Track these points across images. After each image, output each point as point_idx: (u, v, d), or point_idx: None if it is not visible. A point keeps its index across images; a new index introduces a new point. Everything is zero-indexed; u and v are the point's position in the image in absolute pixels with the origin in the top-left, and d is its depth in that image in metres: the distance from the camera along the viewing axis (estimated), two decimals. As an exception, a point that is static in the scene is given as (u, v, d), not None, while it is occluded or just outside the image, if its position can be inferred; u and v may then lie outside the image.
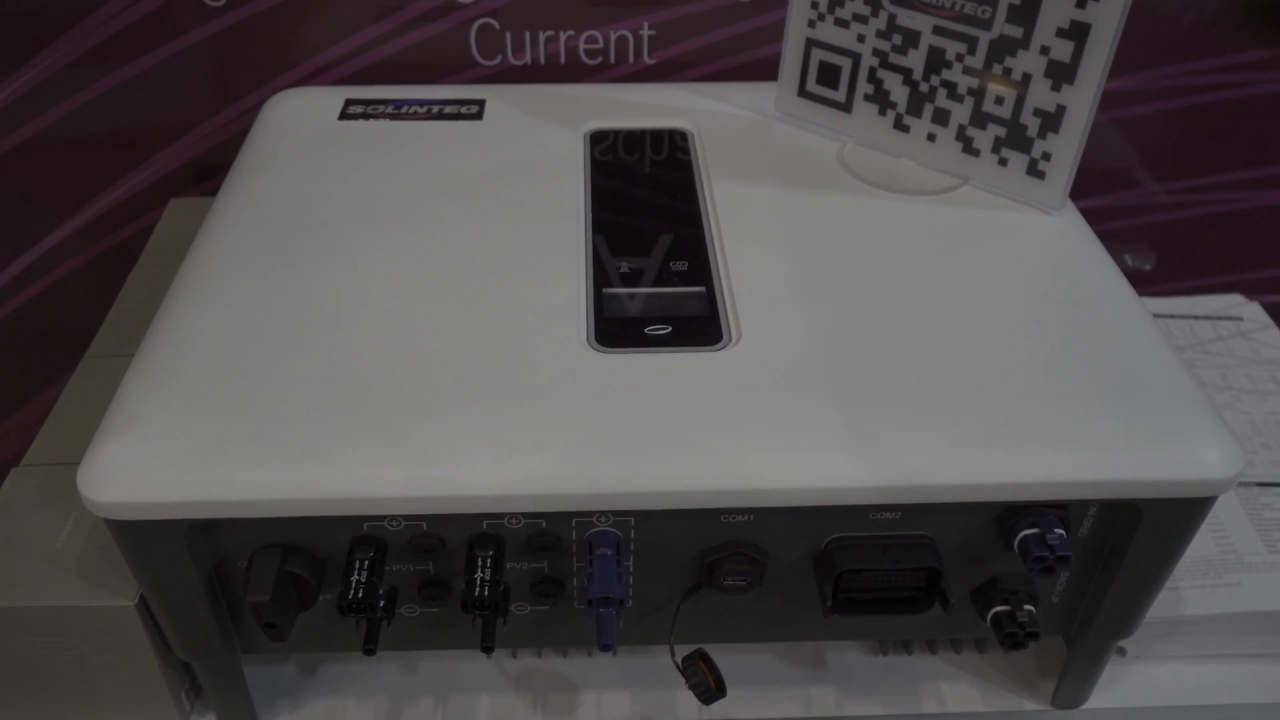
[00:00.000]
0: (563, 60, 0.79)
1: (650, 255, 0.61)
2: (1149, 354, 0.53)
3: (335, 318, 0.54)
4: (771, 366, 0.52)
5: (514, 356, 0.52)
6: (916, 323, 0.54)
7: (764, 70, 0.79)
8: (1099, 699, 0.61)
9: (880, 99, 0.67)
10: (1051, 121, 0.61)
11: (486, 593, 0.49)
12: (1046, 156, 0.62)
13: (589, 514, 0.50)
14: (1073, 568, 0.53)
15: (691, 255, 0.60)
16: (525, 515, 0.50)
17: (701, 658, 0.53)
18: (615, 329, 0.55)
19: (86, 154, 0.81)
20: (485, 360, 0.52)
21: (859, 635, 0.57)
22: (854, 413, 0.50)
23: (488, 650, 0.51)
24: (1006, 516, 0.51)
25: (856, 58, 0.67)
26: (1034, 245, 0.60)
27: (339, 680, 0.61)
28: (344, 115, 0.73)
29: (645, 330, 0.55)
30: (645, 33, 0.78)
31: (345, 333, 0.54)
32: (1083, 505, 0.51)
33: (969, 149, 0.64)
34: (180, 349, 0.53)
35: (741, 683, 0.61)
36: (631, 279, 0.58)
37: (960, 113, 0.64)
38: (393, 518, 0.50)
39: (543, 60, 0.79)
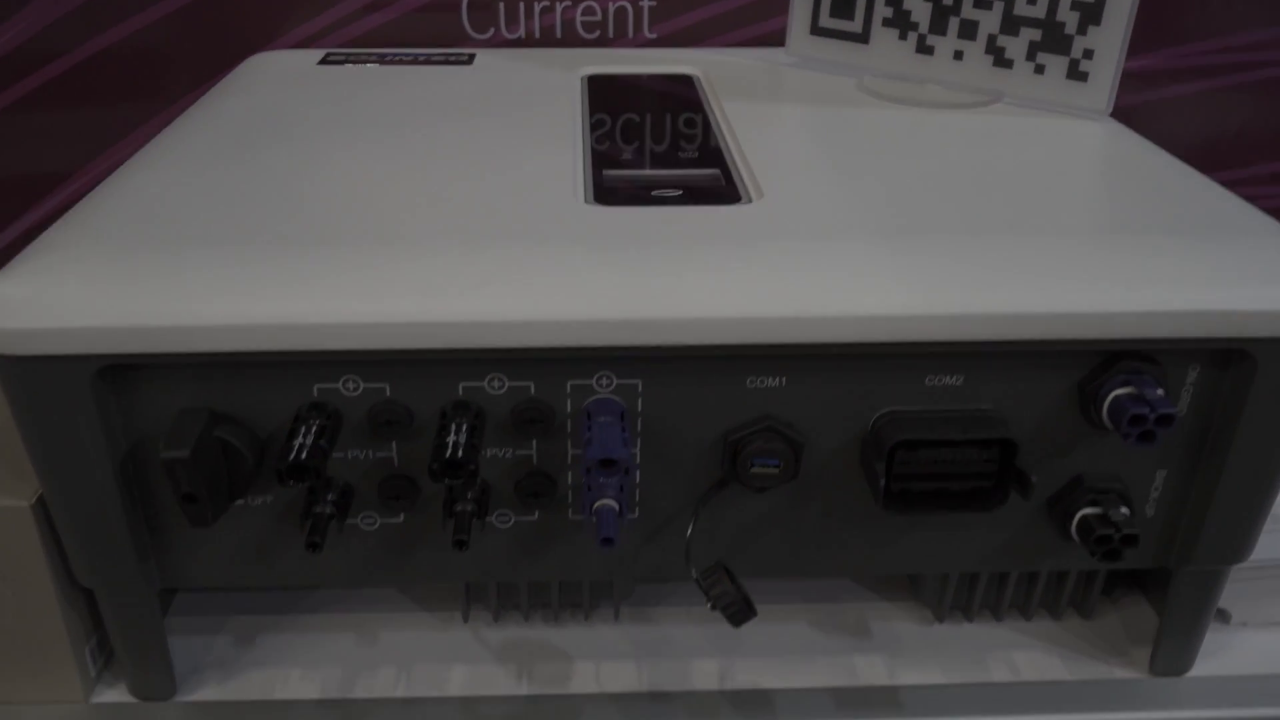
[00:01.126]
0: (559, 34, 0.74)
1: (658, 143, 0.54)
2: (1235, 209, 0.46)
3: (301, 183, 0.47)
4: (802, 218, 0.44)
5: (501, 209, 0.44)
6: (965, 186, 0.47)
7: (773, 44, 0.75)
8: (1202, 667, 0.50)
9: (900, 21, 0.61)
10: (1092, 12, 0.55)
11: (461, 454, 0.40)
12: (1088, 54, 0.56)
13: (587, 368, 0.41)
14: (1174, 445, 0.44)
15: (702, 144, 0.53)
16: (509, 365, 0.41)
17: (724, 569, 0.43)
18: (617, 189, 0.47)
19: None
20: (468, 209, 0.44)
21: (915, 566, 0.46)
22: (903, 248, 0.42)
23: (461, 544, 0.41)
24: (1089, 380, 0.42)
25: (874, -20, 0.62)
26: (1084, 140, 0.53)
27: (281, 652, 0.51)
28: (325, 62, 0.67)
29: (652, 192, 0.47)
30: (645, 4, 0.74)
31: (313, 186, 0.46)
32: (1180, 365, 0.42)
33: (1000, 60, 0.59)
34: (119, 200, 0.45)
35: (773, 652, 0.51)
36: (635, 163, 0.51)
37: (989, 20, 0.58)
38: (349, 376, 0.41)
39: (538, 34, 0.74)
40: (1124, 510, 0.44)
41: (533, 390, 0.42)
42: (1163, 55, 0.77)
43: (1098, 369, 0.42)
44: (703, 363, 0.41)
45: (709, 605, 0.43)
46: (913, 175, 0.48)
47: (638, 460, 0.44)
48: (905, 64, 0.62)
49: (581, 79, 0.65)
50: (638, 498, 0.45)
